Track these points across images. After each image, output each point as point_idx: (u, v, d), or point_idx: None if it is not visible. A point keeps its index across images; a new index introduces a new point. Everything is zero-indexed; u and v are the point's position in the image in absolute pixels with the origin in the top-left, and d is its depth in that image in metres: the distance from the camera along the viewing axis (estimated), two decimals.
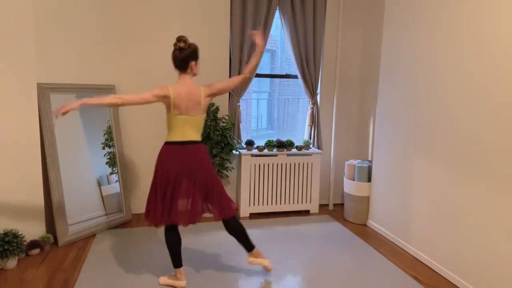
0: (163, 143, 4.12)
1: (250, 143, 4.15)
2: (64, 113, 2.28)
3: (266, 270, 2.88)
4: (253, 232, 3.70)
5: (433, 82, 3.08)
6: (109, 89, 3.78)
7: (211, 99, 2.76)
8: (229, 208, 2.72)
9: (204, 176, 2.62)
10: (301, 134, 4.76)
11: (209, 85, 2.67)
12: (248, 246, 2.79)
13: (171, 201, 2.55)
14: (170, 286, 2.69)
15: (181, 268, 2.69)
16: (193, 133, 2.61)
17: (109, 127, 3.79)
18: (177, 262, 2.67)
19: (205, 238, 3.54)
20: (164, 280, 2.73)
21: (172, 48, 2.58)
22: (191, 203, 2.57)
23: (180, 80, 2.59)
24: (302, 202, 4.30)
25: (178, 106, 2.52)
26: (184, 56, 2.53)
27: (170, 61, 3.99)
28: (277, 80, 4.85)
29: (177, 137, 2.58)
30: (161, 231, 3.66)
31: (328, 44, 4.40)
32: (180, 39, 2.53)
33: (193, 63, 2.57)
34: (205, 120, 3.95)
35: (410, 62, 3.35)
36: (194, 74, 2.63)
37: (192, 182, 2.58)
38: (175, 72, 4.02)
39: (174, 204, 2.54)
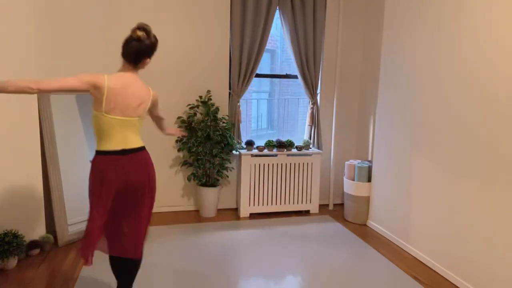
0: (163, 142, 4.17)
1: (250, 143, 4.15)
2: None
3: None
4: (253, 232, 3.70)
5: (433, 82, 3.08)
6: None
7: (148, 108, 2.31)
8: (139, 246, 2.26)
9: (150, 191, 2.21)
10: (301, 134, 4.76)
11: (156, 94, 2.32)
12: None
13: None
14: None
15: None
16: (135, 138, 2.16)
17: None
18: None
19: (205, 238, 3.54)
20: None
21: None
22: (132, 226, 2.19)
23: (124, 72, 2.15)
24: (302, 202, 4.30)
25: (114, 101, 2.05)
26: (143, 49, 2.10)
27: (170, 61, 4.01)
28: (277, 80, 4.85)
29: (116, 144, 2.10)
30: (165, 228, 3.66)
31: (328, 44, 4.40)
32: (143, 27, 2.09)
33: (147, 60, 2.17)
34: (206, 120, 3.95)
35: (410, 62, 3.35)
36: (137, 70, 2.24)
37: (137, 199, 2.18)
38: (176, 73, 4.06)
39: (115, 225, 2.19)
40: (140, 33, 2.08)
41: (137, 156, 2.15)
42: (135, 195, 2.16)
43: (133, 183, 2.12)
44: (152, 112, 2.38)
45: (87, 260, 2.09)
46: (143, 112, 2.19)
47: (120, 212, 2.17)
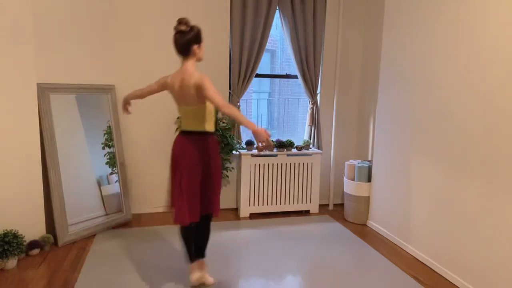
0: (163, 142, 4.17)
1: (250, 143, 4.15)
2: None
3: (207, 283, 2.71)
4: (253, 232, 3.70)
5: (433, 82, 3.08)
6: (109, 89, 3.78)
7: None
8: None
9: (212, 168, 2.54)
10: (301, 134, 4.76)
11: (205, 79, 2.29)
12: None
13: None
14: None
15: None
16: (196, 123, 2.45)
17: (109, 127, 3.78)
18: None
19: None
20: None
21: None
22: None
23: (180, 67, 2.44)
24: (302, 202, 4.30)
25: (172, 93, 2.46)
26: (186, 40, 2.34)
27: (169, 61, 4.01)
28: (277, 80, 4.85)
29: (184, 126, 2.50)
30: (165, 228, 3.66)
31: (328, 44, 4.40)
32: (181, 21, 2.35)
33: (195, 46, 2.38)
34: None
35: (410, 62, 3.35)
36: (198, 59, 2.45)
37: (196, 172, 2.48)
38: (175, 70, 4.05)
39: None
40: (180, 27, 2.35)
41: (196, 139, 2.46)
42: (202, 168, 2.48)
43: (195, 158, 2.45)
44: (206, 98, 2.34)
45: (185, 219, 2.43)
46: (194, 100, 2.37)
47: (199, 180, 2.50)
